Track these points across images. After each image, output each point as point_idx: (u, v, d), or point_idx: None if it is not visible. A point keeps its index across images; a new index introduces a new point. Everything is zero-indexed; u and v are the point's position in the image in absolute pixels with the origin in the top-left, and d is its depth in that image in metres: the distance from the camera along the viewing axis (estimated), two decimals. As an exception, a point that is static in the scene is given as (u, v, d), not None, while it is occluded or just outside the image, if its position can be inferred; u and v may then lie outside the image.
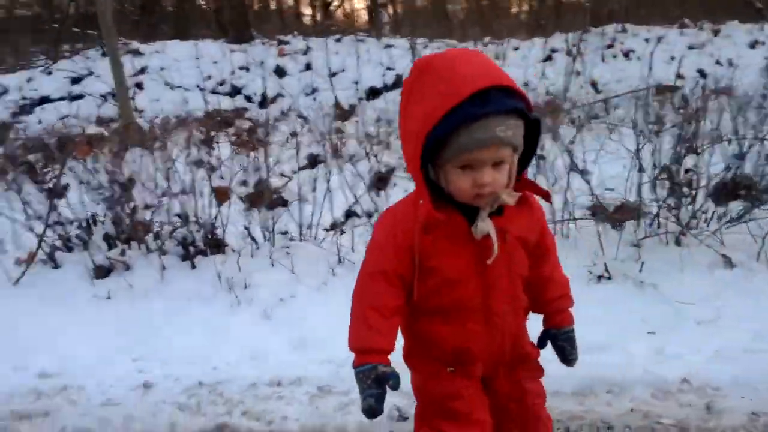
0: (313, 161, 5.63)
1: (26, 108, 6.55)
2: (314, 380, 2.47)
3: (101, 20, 5.69)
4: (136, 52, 7.51)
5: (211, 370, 2.56)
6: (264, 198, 4.00)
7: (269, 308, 2.98)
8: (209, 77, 7.10)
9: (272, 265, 3.31)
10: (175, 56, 7.29)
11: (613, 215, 3.23)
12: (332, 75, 6.92)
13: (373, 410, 1.26)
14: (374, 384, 1.26)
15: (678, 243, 3.01)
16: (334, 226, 3.72)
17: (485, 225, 1.28)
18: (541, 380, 1.51)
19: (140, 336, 2.78)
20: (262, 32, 8.43)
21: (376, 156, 3.69)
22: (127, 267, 3.28)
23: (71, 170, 3.35)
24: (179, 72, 7.03)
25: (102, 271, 3.21)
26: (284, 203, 3.90)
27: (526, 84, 6.85)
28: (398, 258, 1.32)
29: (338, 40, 7.96)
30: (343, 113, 6.24)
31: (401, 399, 2.22)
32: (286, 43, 7.80)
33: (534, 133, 1.30)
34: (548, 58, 7.59)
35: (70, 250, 3.36)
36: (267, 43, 7.99)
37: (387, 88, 6.65)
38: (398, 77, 6.76)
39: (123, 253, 3.32)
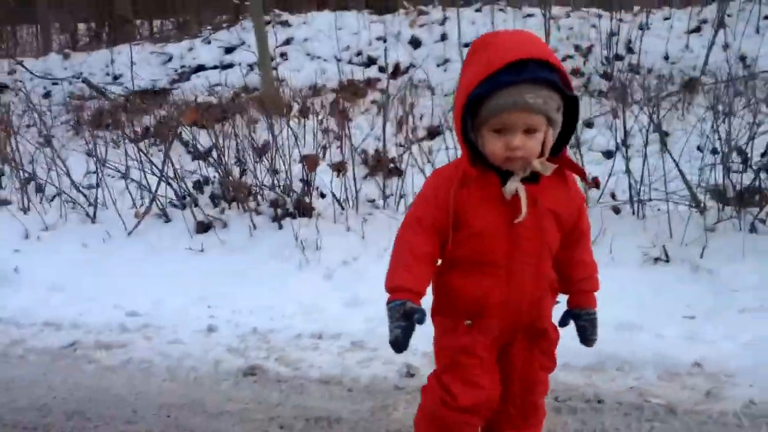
0: (434, 133, 5.80)
1: (184, 75, 7.42)
2: (351, 336, 2.71)
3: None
4: (285, 23, 8.11)
5: (267, 320, 2.90)
6: (382, 165, 4.28)
7: (332, 269, 3.26)
8: (347, 48, 7.48)
9: (347, 230, 3.58)
10: (319, 27, 7.77)
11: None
12: (465, 45, 6.94)
13: (398, 342, 1.38)
14: (402, 318, 1.38)
15: (754, 230, 2.77)
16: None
17: (514, 186, 1.39)
18: (554, 354, 1.58)
19: (219, 287, 3.19)
20: (409, 1, 8.61)
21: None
22: (224, 225, 3.73)
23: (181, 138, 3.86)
24: (321, 43, 7.50)
25: (202, 227, 3.70)
26: (399, 173, 4.14)
27: (666, 57, 6.37)
28: (436, 210, 1.45)
29: (478, 10, 7.89)
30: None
31: (413, 357, 2.39)
32: (426, 13, 7.90)
33: (574, 113, 1.42)
34: (696, 29, 6.91)
35: (183, 207, 3.89)
36: (408, 11, 8.16)
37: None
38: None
39: (222, 212, 3.78)
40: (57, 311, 2.95)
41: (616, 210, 3.31)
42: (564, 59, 6.46)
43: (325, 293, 3.10)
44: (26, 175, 4.24)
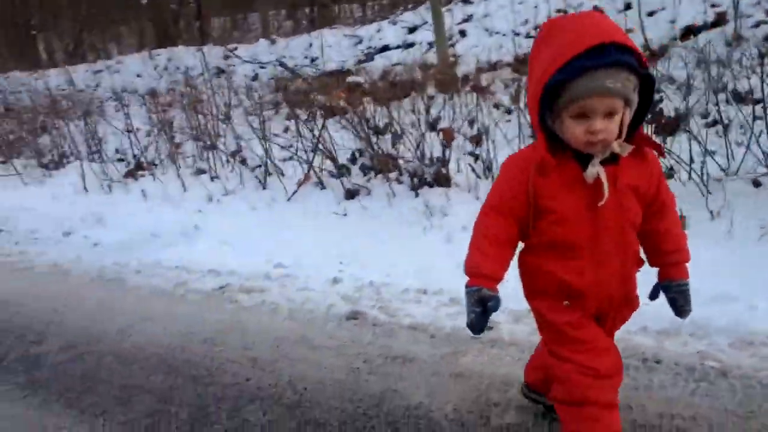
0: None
1: (370, 55, 8.00)
2: (451, 293, 2.95)
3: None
4: (467, 1, 8.32)
5: (384, 276, 3.25)
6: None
7: (452, 234, 3.50)
8: (525, 21, 7.47)
9: (476, 198, 3.78)
10: (500, 3, 7.84)
11: None
12: (650, 14, 6.55)
13: (473, 326, 1.47)
14: (477, 303, 1.46)
15: None
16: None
17: (595, 169, 1.42)
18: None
19: (354, 246, 3.61)
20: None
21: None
22: (368, 192, 4.15)
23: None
24: (499, 18, 7.57)
25: (349, 194, 4.16)
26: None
27: None
28: (513, 196, 1.49)
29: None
30: (652, 55, 5.96)
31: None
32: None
33: (649, 91, 1.43)
34: None
35: (338, 177, 4.39)
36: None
37: (706, 26, 5.99)
38: (720, 15, 5.99)
39: (368, 180, 4.21)
40: (220, 261, 3.60)
41: (756, 183, 3.08)
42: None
43: (442, 255, 3.35)
44: (222, 147, 5.06)
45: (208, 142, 4.91)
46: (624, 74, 1.34)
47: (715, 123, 3.81)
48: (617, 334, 1.65)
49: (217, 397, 2.26)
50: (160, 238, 4.10)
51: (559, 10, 7.37)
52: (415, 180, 4.01)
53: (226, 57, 9.16)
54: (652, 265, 1.59)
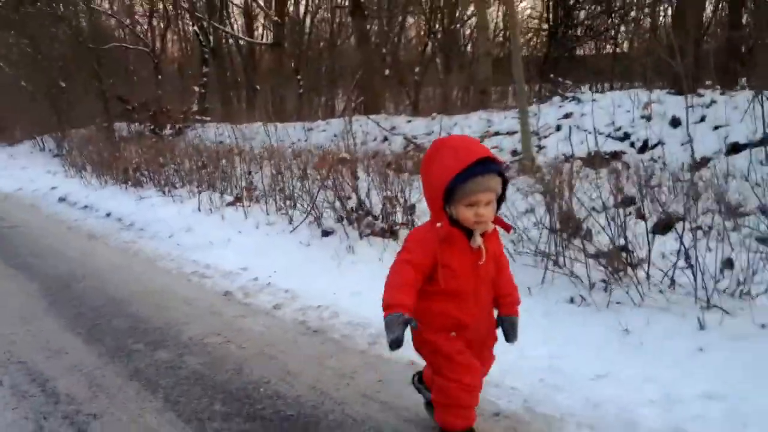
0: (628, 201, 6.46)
1: (481, 138, 9.43)
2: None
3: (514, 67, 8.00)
4: (576, 99, 9.33)
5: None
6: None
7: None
8: (612, 123, 8.29)
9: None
10: (602, 105, 8.70)
11: None
12: (715, 128, 7.08)
13: (398, 341, 2.03)
14: (401, 324, 2.04)
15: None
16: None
17: (478, 240, 2.19)
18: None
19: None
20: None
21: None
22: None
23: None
24: (595, 118, 8.45)
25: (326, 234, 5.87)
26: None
27: None
28: (422, 257, 2.17)
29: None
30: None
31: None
32: (701, 95, 7.97)
33: (504, 186, 2.20)
34: None
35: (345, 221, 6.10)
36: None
37: (752, 144, 6.42)
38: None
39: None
40: (239, 264, 5.61)
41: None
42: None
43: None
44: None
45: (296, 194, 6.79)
46: (496, 177, 2.13)
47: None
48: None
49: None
50: (213, 244, 6.24)
51: (642, 117, 8.06)
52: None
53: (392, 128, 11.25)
54: (500, 305, 2.39)
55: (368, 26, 15.20)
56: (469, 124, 10.40)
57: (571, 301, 3.83)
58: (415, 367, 2.98)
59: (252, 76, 19.53)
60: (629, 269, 3.83)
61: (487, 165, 2.12)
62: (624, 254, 3.92)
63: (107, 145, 11.51)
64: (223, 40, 20.15)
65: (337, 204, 5.87)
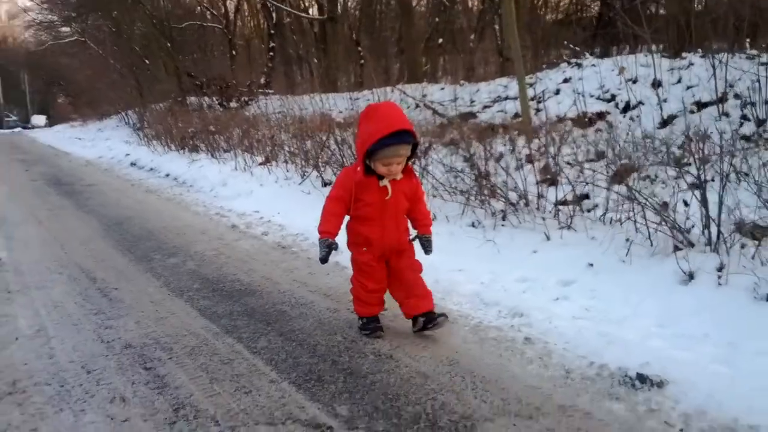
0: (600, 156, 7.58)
1: (488, 105, 10.58)
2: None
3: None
4: (579, 65, 10.27)
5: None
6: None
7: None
8: (601, 86, 9.28)
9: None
10: (598, 70, 9.62)
11: None
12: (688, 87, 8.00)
13: (324, 258, 3.14)
14: (327, 247, 3.12)
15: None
16: None
17: (385, 182, 3.14)
18: (413, 256, 3.39)
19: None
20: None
21: None
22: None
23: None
24: (588, 82, 9.38)
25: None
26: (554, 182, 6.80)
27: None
28: (344, 192, 3.18)
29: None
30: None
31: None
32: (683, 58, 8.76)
33: (414, 148, 3.16)
34: None
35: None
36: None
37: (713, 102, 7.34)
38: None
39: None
40: (255, 209, 7.23)
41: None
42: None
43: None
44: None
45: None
46: (407, 145, 3.06)
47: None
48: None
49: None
50: (239, 195, 7.86)
51: (629, 80, 8.95)
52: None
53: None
54: (414, 228, 3.39)
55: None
56: (489, 90, 11.56)
57: (472, 225, 5.15)
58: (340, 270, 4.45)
59: (311, 50, 21.11)
60: (521, 204, 5.10)
61: (401, 136, 3.01)
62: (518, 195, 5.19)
63: (174, 119, 13.40)
64: (284, 18, 21.74)
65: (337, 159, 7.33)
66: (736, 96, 7.41)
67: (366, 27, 22.57)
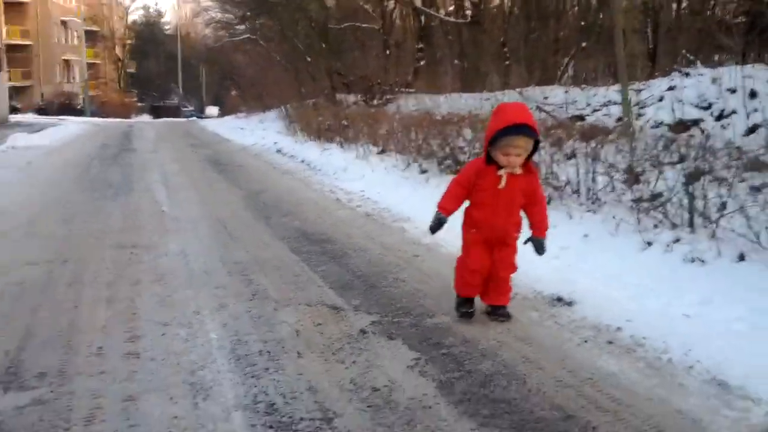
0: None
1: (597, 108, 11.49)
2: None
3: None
4: (687, 74, 10.90)
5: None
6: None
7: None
8: (702, 95, 9.94)
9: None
10: (696, 80, 10.25)
11: None
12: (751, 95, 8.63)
13: (432, 228, 3.71)
14: (437, 220, 3.68)
15: None
16: None
17: (502, 172, 3.53)
18: (514, 256, 3.76)
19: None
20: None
21: None
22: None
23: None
24: (693, 91, 10.04)
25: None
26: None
27: None
28: (466, 178, 3.68)
29: None
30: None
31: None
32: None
33: (536, 145, 3.57)
34: None
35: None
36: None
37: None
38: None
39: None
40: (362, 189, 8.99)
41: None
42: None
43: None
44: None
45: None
46: (527, 138, 3.45)
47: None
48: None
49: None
50: (354, 177, 9.60)
51: (729, 89, 9.51)
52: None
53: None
54: (530, 228, 3.72)
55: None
56: (604, 94, 12.49)
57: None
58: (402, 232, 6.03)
59: (455, 51, 22.67)
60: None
61: (521, 129, 3.41)
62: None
63: (315, 112, 15.54)
64: (431, 21, 23.45)
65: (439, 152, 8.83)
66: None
67: (517, 29, 23.72)
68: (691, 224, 4.95)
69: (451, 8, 24.43)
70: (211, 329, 3.69)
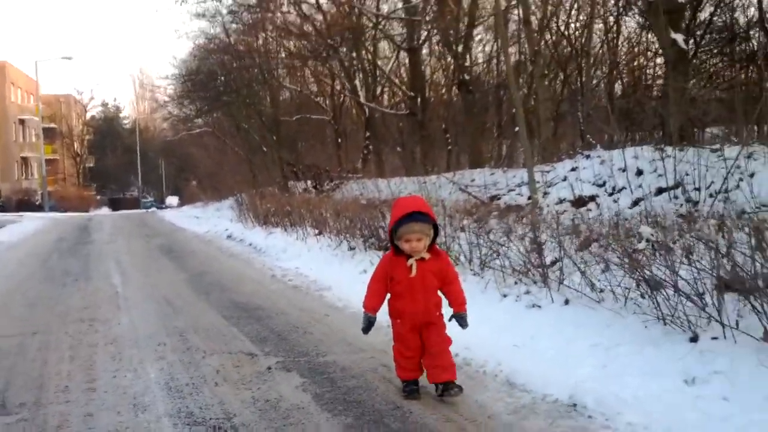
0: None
1: (512, 190, 13.06)
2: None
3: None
4: (588, 156, 12.63)
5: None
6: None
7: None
8: (596, 175, 11.59)
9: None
10: (594, 162, 11.95)
11: None
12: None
13: (365, 329, 4.14)
14: (367, 320, 4.10)
15: None
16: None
17: (411, 261, 3.94)
18: (443, 331, 4.09)
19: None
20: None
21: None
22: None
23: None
24: (587, 171, 11.72)
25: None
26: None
27: None
28: (383, 272, 4.10)
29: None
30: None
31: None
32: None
33: (436, 230, 4.05)
34: None
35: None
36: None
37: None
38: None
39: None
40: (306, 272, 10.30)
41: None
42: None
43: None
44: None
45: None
46: (424, 224, 3.91)
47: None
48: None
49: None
50: (291, 256, 10.90)
51: (620, 168, 11.17)
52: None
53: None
54: (450, 306, 4.11)
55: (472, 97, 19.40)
56: (521, 175, 14.15)
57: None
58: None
59: (398, 140, 24.57)
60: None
61: (415, 216, 3.85)
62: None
63: (271, 201, 16.93)
64: (375, 114, 25.43)
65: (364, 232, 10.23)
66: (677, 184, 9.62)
67: (457, 119, 25.80)
68: (544, 281, 6.34)
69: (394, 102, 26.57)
70: (150, 372, 4.88)
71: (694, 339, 4.46)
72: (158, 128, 55.81)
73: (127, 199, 61.94)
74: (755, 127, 12.33)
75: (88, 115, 72.58)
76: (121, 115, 77.06)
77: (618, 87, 22.34)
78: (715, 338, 4.39)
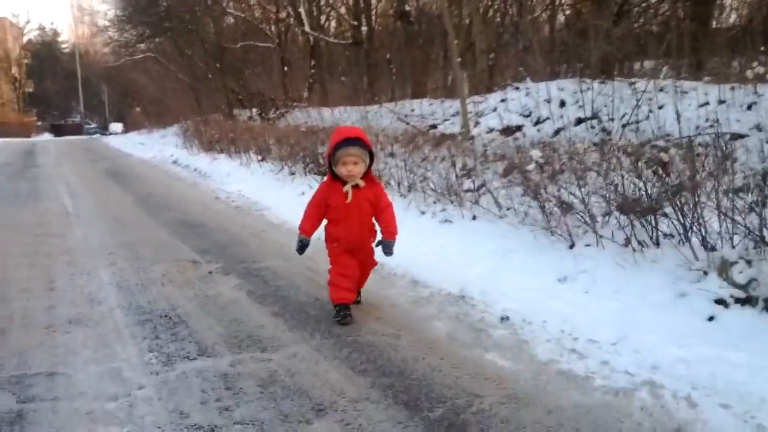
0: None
1: (447, 120, 13.78)
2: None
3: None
4: (517, 88, 13.39)
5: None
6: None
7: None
8: (523, 106, 12.40)
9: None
10: (523, 93, 12.69)
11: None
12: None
13: (299, 251, 4.20)
14: (300, 242, 4.19)
15: None
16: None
17: (347, 187, 4.06)
18: (373, 255, 4.38)
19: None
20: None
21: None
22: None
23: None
24: (515, 102, 12.48)
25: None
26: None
27: None
28: (319, 197, 4.19)
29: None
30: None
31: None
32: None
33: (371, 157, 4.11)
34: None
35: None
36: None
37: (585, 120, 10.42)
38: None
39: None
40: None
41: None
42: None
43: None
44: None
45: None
46: (359, 149, 4.02)
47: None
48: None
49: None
50: (235, 180, 11.46)
51: (545, 99, 11.95)
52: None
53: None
54: (381, 232, 4.22)
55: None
56: (457, 107, 14.83)
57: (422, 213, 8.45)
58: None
59: (342, 69, 24.87)
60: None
61: (353, 141, 3.98)
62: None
63: (215, 128, 17.26)
64: (320, 42, 25.58)
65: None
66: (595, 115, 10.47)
67: (401, 49, 26.12)
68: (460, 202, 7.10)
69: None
70: (103, 275, 5.51)
71: (572, 246, 5.25)
72: (99, 53, 54.02)
73: (70, 125, 60.48)
74: (694, 62, 12.96)
75: (25, 39, 69.74)
76: (60, 39, 74.25)
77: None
78: (588, 245, 5.19)
